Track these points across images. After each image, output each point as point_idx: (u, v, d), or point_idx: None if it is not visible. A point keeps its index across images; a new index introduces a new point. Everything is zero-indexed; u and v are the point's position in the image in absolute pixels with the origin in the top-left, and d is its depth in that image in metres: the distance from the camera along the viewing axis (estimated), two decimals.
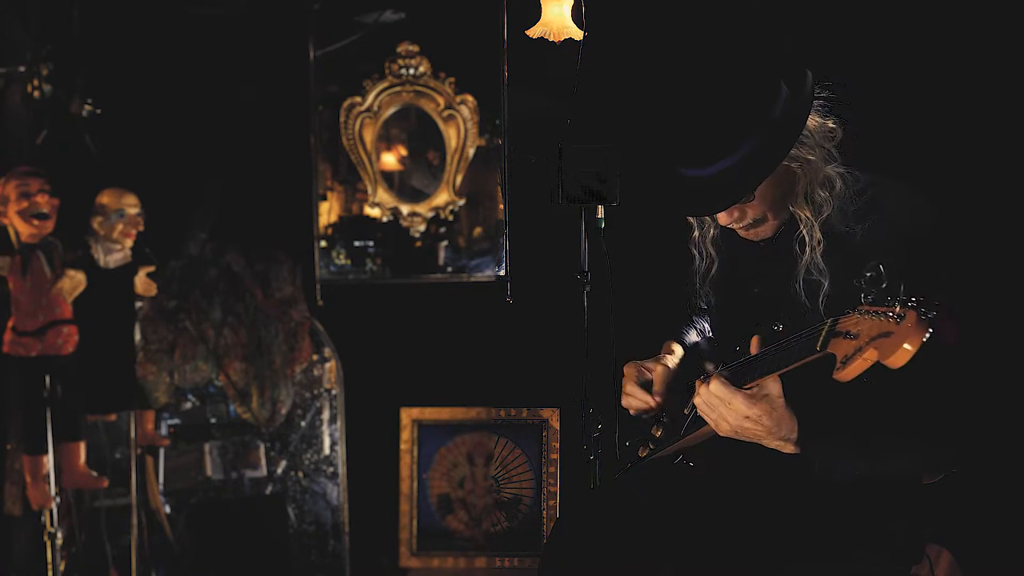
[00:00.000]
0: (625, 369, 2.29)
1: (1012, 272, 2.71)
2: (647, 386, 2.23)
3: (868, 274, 1.65)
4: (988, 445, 1.95)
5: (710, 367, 2.18)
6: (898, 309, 1.57)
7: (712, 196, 1.99)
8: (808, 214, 1.98)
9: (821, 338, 1.70)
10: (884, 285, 1.62)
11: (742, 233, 2.08)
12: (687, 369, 2.26)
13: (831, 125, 2.00)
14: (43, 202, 3.23)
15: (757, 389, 1.87)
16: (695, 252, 2.24)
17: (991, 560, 2.51)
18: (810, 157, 1.97)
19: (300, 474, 3.69)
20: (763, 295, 2.11)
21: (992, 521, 2.69)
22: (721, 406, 1.89)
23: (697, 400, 1.95)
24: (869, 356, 1.59)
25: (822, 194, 1.99)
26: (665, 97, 2.08)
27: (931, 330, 1.53)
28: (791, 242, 2.03)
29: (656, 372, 2.22)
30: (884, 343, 1.57)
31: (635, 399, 2.23)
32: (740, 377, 1.92)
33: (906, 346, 1.54)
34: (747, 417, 1.87)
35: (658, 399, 2.20)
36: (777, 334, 1.97)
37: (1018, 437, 2.42)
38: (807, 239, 1.99)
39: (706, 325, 2.39)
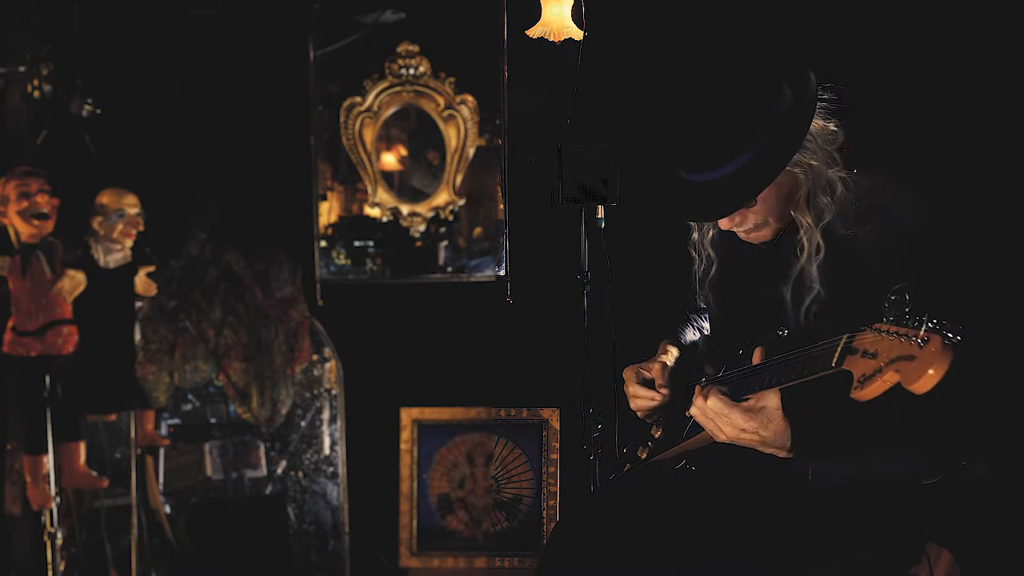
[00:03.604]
0: (624, 374, 2.29)
1: (1013, 274, 2.70)
2: (649, 385, 2.24)
3: (892, 297, 1.61)
4: (988, 446, 1.95)
5: (709, 369, 2.18)
6: (922, 333, 1.53)
7: (715, 202, 1.98)
8: (809, 220, 1.97)
9: (836, 354, 1.68)
10: (908, 310, 1.58)
11: (742, 236, 2.08)
12: (686, 368, 2.26)
13: (832, 128, 1.98)
14: (43, 202, 3.23)
15: (754, 401, 1.87)
16: (694, 254, 2.23)
17: (991, 560, 2.51)
18: (813, 162, 1.96)
19: (300, 474, 3.69)
20: (765, 297, 2.11)
21: (992, 521, 2.69)
22: (717, 419, 1.90)
23: (694, 411, 1.95)
24: (889, 378, 1.56)
25: (824, 199, 1.97)
26: (667, 100, 2.08)
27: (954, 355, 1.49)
28: (788, 246, 2.02)
29: (654, 369, 2.24)
30: (907, 367, 1.54)
31: (640, 398, 2.24)
32: (742, 387, 1.92)
33: (931, 372, 1.50)
34: (743, 429, 1.88)
35: (663, 391, 2.21)
36: (781, 341, 1.96)
37: (1018, 437, 2.41)
38: (805, 245, 1.97)
39: (705, 324, 2.39)
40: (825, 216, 1.97)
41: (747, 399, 1.89)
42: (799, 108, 1.93)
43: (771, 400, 1.86)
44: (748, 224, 2.03)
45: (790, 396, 1.86)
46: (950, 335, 1.52)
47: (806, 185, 1.97)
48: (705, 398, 1.92)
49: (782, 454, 1.90)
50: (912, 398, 1.57)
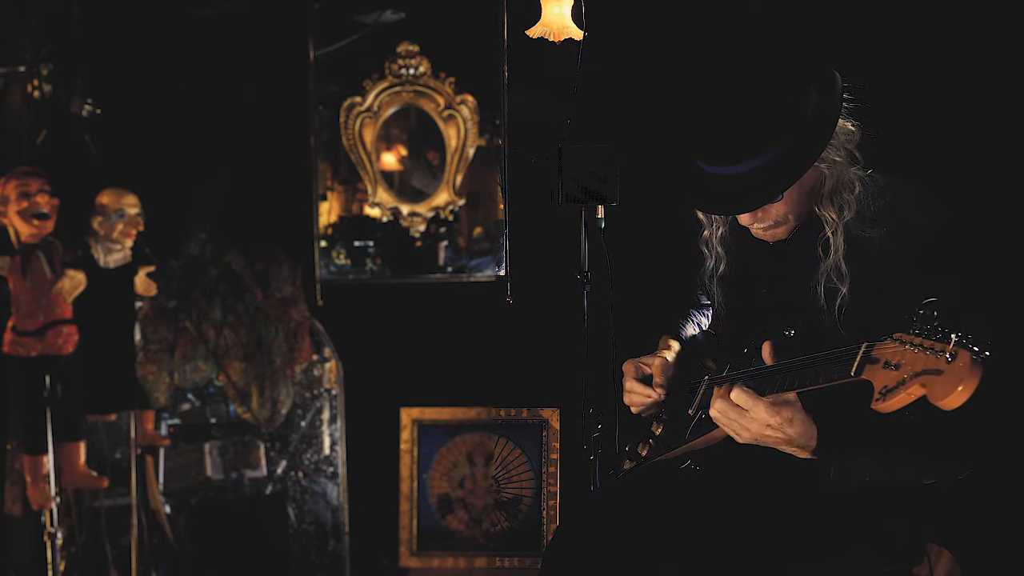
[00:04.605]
0: (624, 367, 2.29)
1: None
2: (647, 381, 2.23)
3: (920, 311, 1.59)
4: (996, 449, 1.95)
5: (711, 365, 2.17)
6: (951, 347, 1.50)
7: (741, 195, 1.97)
8: (834, 216, 1.98)
9: (855, 364, 1.66)
10: (936, 324, 1.56)
11: (757, 233, 2.07)
12: (686, 366, 2.26)
13: (851, 127, 1.99)
14: (43, 202, 3.23)
15: (775, 396, 1.85)
16: (706, 251, 2.23)
17: (991, 560, 2.51)
18: (837, 158, 1.97)
19: (300, 474, 3.69)
20: (771, 296, 2.10)
21: (992, 521, 2.69)
22: (742, 415, 1.87)
23: (713, 412, 1.91)
24: (914, 392, 1.53)
25: (847, 196, 1.98)
26: (689, 94, 2.07)
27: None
28: (805, 244, 2.02)
29: (655, 365, 2.22)
30: (934, 381, 1.51)
31: (636, 394, 2.24)
32: (758, 388, 1.89)
33: (961, 388, 1.48)
34: (769, 425, 1.84)
35: (660, 391, 2.20)
36: (789, 340, 1.95)
37: (1017, 438, 2.42)
38: (832, 241, 1.98)
39: (704, 320, 2.39)
40: (846, 213, 1.98)
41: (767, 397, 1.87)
42: (826, 107, 1.94)
43: (791, 394, 1.85)
44: (769, 220, 2.02)
45: (814, 396, 1.84)
46: (977, 349, 1.49)
47: (830, 181, 1.98)
48: (728, 392, 1.88)
49: (803, 454, 1.88)
50: (937, 412, 1.54)
